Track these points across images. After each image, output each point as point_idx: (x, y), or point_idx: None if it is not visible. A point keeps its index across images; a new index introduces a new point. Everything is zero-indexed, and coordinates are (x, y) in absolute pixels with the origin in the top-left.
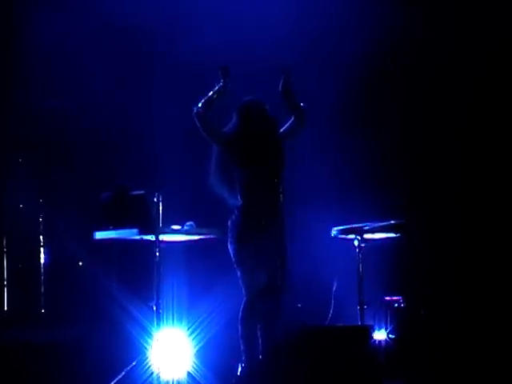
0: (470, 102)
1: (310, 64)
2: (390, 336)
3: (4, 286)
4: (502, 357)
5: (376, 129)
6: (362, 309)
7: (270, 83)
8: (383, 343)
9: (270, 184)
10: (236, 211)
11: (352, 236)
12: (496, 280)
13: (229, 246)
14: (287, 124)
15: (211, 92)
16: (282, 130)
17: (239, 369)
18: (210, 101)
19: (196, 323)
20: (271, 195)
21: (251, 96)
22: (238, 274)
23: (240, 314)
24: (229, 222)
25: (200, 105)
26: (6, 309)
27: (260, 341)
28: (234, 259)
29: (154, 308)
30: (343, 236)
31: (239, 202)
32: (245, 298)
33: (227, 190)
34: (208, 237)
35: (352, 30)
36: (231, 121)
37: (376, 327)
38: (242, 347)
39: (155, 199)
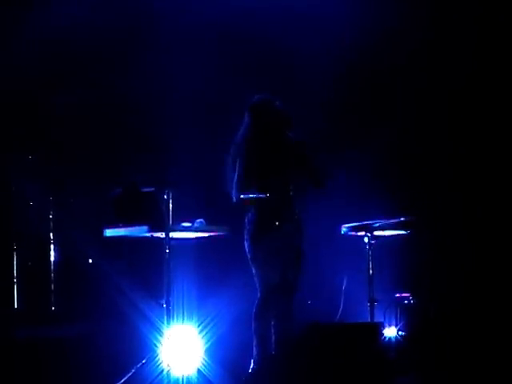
0: (480, 95)
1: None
2: (400, 333)
3: (14, 283)
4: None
5: (386, 125)
6: (372, 306)
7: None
8: (393, 340)
9: (284, 180)
10: (252, 208)
11: (362, 233)
12: (506, 276)
13: (244, 243)
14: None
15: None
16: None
17: (251, 365)
18: None
19: (206, 320)
20: (285, 192)
21: (260, 94)
22: (253, 270)
23: (254, 310)
24: (246, 219)
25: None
26: (16, 306)
27: (274, 337)
28: (249, 256)
29: (164, 305)
30: (353, 233)
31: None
32: (259, 295)
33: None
34: (218, 234)
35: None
36: (243, 120)
37: (386, 324)
38: (254, 343)
39: (165, 196)
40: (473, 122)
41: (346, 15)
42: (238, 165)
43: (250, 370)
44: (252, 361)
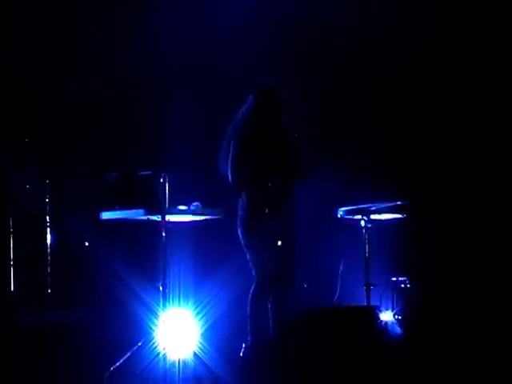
0: (476, 84)
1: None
2: (397, 317)
3: (10, 266)
4: (509, 337)
5: (382, 109)
6: (368, 290)
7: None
8: (390, 324)
9: (279, 166)
10: (244, 194)
11: (358, 217)
12: (502, 260)
13: (237, 230)
14: None
15: None
16: None
17: (242, 349)
18: None
19: (202, 304)
20: (279, 177)
21: (270, 79)
22: (247, 257)
23: (250, 295)
24: (238, 205)
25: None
26: (12, 290)
27: (270, 322)
28: (242, 242)
29: (161, 288)
30: (349, 217)
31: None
32: (255, 281)
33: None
34: (214, 217)
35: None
36: (247, 100)
37: (382, 308)
38: (248, 327)
39: (161, 180)
40: (470, 111)
41: (347, 13)
42: (232, 146)
43: (241, 354)
44: (243, 345)
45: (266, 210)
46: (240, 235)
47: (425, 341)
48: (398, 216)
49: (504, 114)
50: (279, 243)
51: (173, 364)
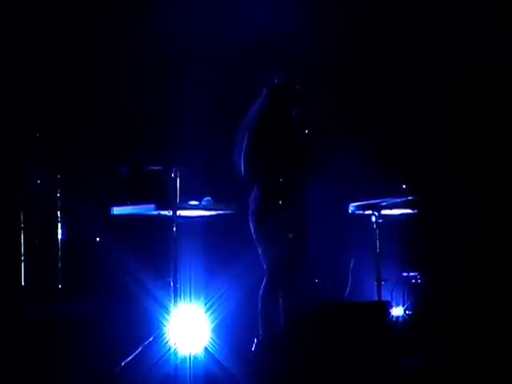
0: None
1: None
2: (408, 312)
3: (21, 261)
4: None
5: (393, 103)
6: (379, 285)
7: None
8: (400, 319)
9: (291, 159)
10: (256, 187)
11: (369, 212)
12: None
13: (249, 224)
14: None
15: None
16: None
17: (254, 344)
18: None
19: (213, 299)
20: (291, 170)
21: (283, 73)
22: (259, 251)
23: (261, 289)
24: (250, 199)
25: None
26: (23, 284)
27: (281, 316)
28: (254, 236)
29: (172, 284)
30: (360, 212)
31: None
32: (267, 275)
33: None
34: (225, 212)
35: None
36: (261, 94)
37: (393, 303)
38: (259, 322)
39: (173, 174)
40: (484, 106)
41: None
42: (245, 139)
43: (252, 349)
44: (255, 340)
45: (280, 202)
46: (252, 229)
47: (436, 335)
48: (409, 211)
49: None
50: (290, 236)
51: (184, 359)
